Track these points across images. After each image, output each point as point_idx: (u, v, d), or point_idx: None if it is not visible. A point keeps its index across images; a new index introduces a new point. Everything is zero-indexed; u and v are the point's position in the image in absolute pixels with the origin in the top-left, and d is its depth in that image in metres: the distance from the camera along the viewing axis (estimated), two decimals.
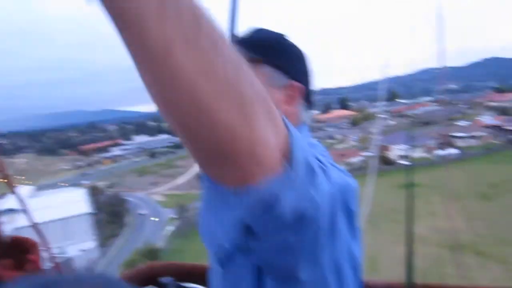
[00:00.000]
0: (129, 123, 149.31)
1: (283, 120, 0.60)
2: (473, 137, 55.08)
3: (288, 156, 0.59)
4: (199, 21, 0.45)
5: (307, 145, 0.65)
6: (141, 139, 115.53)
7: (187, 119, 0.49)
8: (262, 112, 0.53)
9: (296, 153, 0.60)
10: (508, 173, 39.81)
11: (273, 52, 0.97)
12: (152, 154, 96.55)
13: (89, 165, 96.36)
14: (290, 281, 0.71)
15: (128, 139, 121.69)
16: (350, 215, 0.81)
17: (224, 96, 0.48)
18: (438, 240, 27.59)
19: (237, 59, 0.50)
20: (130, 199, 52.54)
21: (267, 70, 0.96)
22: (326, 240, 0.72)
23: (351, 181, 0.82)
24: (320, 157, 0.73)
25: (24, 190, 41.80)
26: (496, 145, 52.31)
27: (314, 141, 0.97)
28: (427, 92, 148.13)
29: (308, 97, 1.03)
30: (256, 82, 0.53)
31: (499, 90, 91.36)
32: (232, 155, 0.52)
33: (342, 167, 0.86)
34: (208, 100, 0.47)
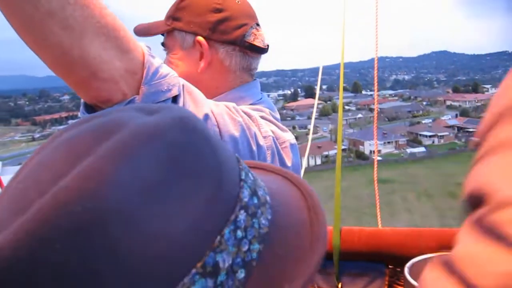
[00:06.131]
0: None
1: (142, 52, 0.66)
2: (437, 136, 58.00)
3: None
4: None
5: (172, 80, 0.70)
6: None
7: (36, 44, 0.59)
8: (98, 37, 0.59)
9: (150, 81, 0.66)
10: None
11: (174, 15, 0.94)
12: None
13: (46, 137, 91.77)
14: None
15: None
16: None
17: (50, 21, 0.55)
18: None
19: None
20: None
21: (176, 35, 0.94)
22: None
23: (289, 137, 0.89)
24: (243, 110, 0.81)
25: None
26: (459, 145, 54.74)
27: (264, 96, 1.00)
28: (381, 81, 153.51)
29: (243, 45, 0.93)
30: (98, 15, 0.59)
31: (456, 90, 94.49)
32: (72, 68, 0.61)
33: (288, 130, 0.92)
34: (38, 23, 0.55)
